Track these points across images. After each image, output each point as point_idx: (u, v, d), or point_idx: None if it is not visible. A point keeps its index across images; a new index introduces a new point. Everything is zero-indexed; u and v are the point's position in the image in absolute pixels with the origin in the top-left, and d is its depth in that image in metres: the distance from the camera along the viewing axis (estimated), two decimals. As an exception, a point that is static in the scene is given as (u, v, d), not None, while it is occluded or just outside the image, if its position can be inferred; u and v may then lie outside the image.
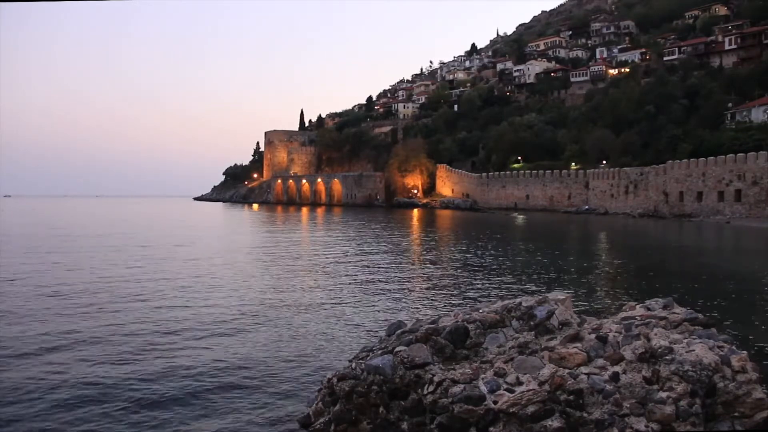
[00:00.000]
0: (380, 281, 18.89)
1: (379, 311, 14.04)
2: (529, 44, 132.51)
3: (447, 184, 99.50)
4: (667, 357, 5.18)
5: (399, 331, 6.41)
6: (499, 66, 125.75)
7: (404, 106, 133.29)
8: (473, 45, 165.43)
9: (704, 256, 27.46)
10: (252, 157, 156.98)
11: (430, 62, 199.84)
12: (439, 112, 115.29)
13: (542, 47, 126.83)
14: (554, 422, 5.05)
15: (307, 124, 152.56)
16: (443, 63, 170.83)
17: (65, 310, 13.90)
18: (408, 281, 19.14)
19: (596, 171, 74.85)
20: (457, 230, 48.13)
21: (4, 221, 58.28)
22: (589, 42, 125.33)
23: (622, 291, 16.98)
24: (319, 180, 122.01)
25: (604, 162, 75.83)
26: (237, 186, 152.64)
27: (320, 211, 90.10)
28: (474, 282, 18.53)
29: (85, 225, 53.88)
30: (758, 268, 22.67)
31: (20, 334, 11.50)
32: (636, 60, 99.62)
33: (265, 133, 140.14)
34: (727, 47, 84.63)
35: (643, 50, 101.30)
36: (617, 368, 5.24)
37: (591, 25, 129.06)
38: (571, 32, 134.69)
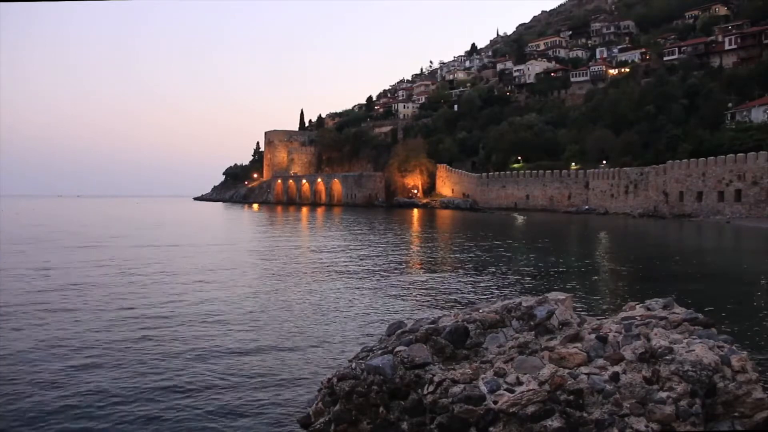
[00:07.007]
0: (380, 281, 18.89)
1: (379, 311, 14.04)
2: (529, 44, 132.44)
3: (447, 184, 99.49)
4: (667, 357, 5.18)
5: (399, 331, 6.40)
6: (499, 66, 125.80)
7: (404, 106, 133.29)
8: (473, 45, 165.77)
9: (704, 256, 27.45)
10: (252, 157, 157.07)
11: (430, 62, 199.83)
12: (439, 112, 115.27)
13: (542, 47, 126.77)
14: (554, 422, 5.04)
15: (307, 124, 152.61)
16: (443, 63, 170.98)
17: (65, 306, 13.92)
18: (408, 281, 19.14)
19: (596, 171, 74.87)
20: (457, 230, 48.12)
21: (4, 223, 58.21)
22: (589, 42, 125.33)
23: (622, 291, 16.98)
24: (319, 180, 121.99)
25: (604, 162, 75.85)
26: (237, 186, 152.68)
27: (320, 211, 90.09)
28: (474, 282, 18.53)
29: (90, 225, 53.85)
30: (758, 268, 22.68)
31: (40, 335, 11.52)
32: (636, 60, 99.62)
33: (265, 133, 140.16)
34: (727, 47, 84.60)
35: (643, 50, 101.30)
36: (617, 368, 5.24)
37: (591, 25, 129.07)
38: (571, 32, 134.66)
